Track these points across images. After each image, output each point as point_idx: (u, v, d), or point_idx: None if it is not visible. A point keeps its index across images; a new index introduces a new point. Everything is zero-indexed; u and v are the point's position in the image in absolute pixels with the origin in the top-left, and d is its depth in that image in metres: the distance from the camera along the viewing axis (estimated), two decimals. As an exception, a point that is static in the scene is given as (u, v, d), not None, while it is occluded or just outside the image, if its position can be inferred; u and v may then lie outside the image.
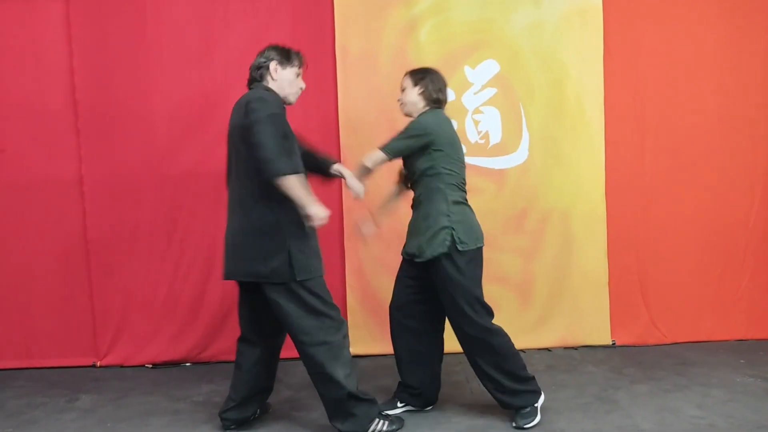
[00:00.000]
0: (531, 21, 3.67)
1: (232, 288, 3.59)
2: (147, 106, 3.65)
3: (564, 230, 3.74)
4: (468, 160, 3.67)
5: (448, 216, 2.68)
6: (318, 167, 2.80)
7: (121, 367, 3.68)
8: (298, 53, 2.68)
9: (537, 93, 3.69)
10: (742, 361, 3.47)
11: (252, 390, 2.70)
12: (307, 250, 2.54)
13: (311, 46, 3.60)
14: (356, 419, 2.56)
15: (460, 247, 2.65)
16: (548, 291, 3.75)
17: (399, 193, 2.98)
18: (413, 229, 2.79)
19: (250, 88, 2.64)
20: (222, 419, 2.72)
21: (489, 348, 2.68)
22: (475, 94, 3.69)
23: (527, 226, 3.74)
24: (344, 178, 2.76)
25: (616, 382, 3.20)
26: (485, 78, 3.69)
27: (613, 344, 3.76)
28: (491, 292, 3.68)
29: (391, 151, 2.71)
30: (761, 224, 3.83)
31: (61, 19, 3.60)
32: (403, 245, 2.86)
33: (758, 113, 3.78)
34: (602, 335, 3.75)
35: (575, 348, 3.75)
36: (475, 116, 3.70)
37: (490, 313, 2.74)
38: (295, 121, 3.51)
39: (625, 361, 3.52)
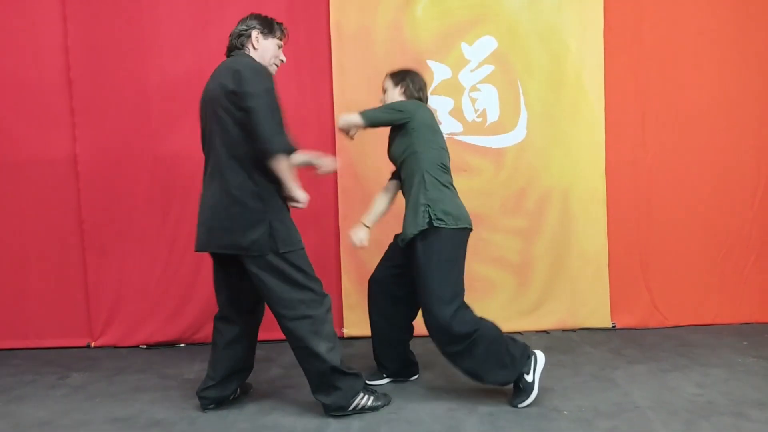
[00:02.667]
0: (530, -4, 3.61)
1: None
2: (142, 86, 3.63)
3: (563, 211, 3.67)
4: (465, 138, 3.66)
5: (425, 193, 2.64)
6: None
7: (115, 347, 3.66)
8: (280, 24, 2.62)
9: (536, 70, 3.63)
10: (745, 343, 3.39)
11: (230, 369, 2.65)
12: (287, 222, 2.50)
13: (305, 23, 3.60)
14: (340, 392, 2.52)
15: (435, 224, 2.59)
16: (547, 272, 3.68)
17: (392, 195, 2.95)
18: (405, 213, 2.74)
19: (228, 56, 2.59)
20: (200, 398, 2.67)
21: (443, 320, 2.57)
22: (472, 71, 3.63)
23: (526, 206, 3.68)
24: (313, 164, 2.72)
25: (614, 362, 3.14)
26: (483, 55, 3.63)
27: (613, 327, 3.69)
28: (489, 273, 3.68)
29: (368, 118, 2.68)
30: (766, 207, 3.74)
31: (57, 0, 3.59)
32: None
33: (764, 94, 3.70)
34: (602, 318, 3.68)
35: (574, 330, 3.68)
36: (473, 94, 3.64)
37: (458, 295, 2.62)
38: (289, 99, 3.52)
39: (625, 342, 3.45)
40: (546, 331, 3.67)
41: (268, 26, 2.58)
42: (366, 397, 2.58)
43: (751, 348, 3.29)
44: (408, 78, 2.84)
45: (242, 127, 2.40)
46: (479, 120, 3.65)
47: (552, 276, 3.68)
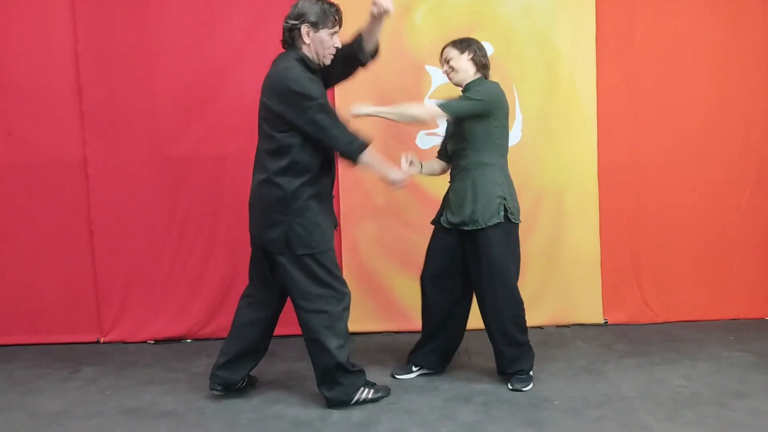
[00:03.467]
0: (524, 3, 3.72)
1: (230, 268, 3.76)
2: (149, 91, 3.74)
3: (557, 210, 3.79)
4: (462, 141, 3.78)
5: (501, 186, 2.75)
6: (359, 55, 2.73)
7: (124, 343, 3.78)
8: (333, 10, 2.57)
9: (530, 75, 3.75)
10: (731, 337, 3.51)
11: (244, 348, 2.75)
12: (309, 225, 2.57)
13: (308, 30, 3.72)
14: (342, 388, 2.65)
15: (512, 219, 2.75)
16: (541, 270, 3.81)
17: (435, 168, 3.04)
18: (460, 198, 2.80)
19: (284, 48, 2.63)
20: (211, 376, 2.79)
21: (515, 313, 2.80)
22: (469, 76, 3.75)
23: (521, 206, 3.70)
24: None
25: (604, 356, 3.27)
26: (479, 60, 3.75)
27: (605, 323, 3.81)
28: (485, 270, 3.79)
29: (452, 110, 2.69)
30: (754, 205, 3.86)
31: (67, 5, 3.68)
32: (438, 214, 2.94)
33: (752, 95, 3.82)
34: (594, 314, 3.81)
35: (567, 326, 3.81)
36: (469, 98, 3.77)
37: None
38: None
39: (616, 338, 3.58)
40: (540, 327, 3.79)
41: (321, 17, 2.53)
42: (367, 390, 2.71)
43: (737, 342, 3.42)
44: (474, 44, 2.83)
45: (277, 137, 2.54)
46: (476, 123, 3.77)
47: (546, 274, 3.80)
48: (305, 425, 2.54)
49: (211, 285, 3.80)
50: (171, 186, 3.77)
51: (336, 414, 2.63)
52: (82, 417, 2.71)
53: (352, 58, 2.71)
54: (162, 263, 3.80)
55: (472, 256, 2.81)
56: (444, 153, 3.02)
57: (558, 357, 3.26)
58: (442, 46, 2.91)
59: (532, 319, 3.75)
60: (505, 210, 2.72)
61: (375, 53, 2.77)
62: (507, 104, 2.84)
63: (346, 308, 2.65)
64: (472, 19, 3.73)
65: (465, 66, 2.81)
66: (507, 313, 2.79)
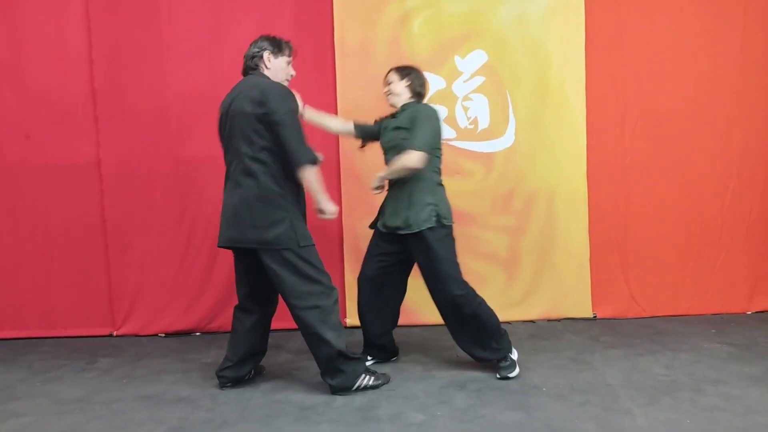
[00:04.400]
0: (517, 13, 3.91)
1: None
2: (160, 96, 3.91)
3: (548, 210, 3.98)
4: (458, 144, 3.97)
5: (433, 194, 3.00)
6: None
7: (136, 336, 3.96)
8: (288, 43, 2.92)
9: (523, 81, 3.94)
10: (713, 331, 3.70)
11: (247, 352, 2.97)
12: (303, 220, 2.83)
13: (312, 39, 3.89)
14: (345, 375, 2.84)
15: (444, 222, 2.96)
16: (533, 267, 4.00)
17: (344, 131, 3.30)
18: (396, 205, 3.05)
19: (245, 75, 2.89)
20: (219, 377, 2.99)
21: (471, 305, 2.95)
22: (464, 82, 3.94)
23: (514, 206, 3.99)
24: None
25: (592, 347, 3.45)
26: (474, 67, 3.94)
27: (594, 317, 4.00)
28: (480, 268, 3.98)
29: (427, 147, 2.93)
30: (736, 206, 4.05)
31: (81, 14, 3.87)
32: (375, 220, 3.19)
33: (733, 97, 4.00)
34: (584, 308, 4.00)
35: (558, 320, 3.99)
36: (465, 103, 3.95)
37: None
38: (296, 107, 3.84)
39: (604, 331, 3.76)
40: (532, 321, 3.98)
41: (278, 46, 2.88)
42: (368, 377, 2.90)
43: (718, 335, 3.61)
44: (413, 73, 3.12)
45: (266, 137, 2.71)
46: (471, 127, 3.96)
47: (538, 270, 3.99)
48: (311, 409, 2.73)
49: (219, 281, 3.98)
50: (181, 186, 3.95)
51: (339, 399, 2.82)
52: (102, 403, 2.89)
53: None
54: (172, 260, 3.98)
55: (416, 257, 3.05)
56: (363, 130, 3.24)
57: (548, 348, 3.45)
58: (387, 70, 3.17)
59: (524, 313, 4.00)
60: (437, 215, 2.96)
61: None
62: (440, 124, 3.07)
63: (336, 301, 2.85)
64: (467, 28, 3.92)
65: (401, 90, 3.09)
66: (457, 299, 2.95)
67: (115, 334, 3.99)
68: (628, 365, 3.15)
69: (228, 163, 2.89)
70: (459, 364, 3.20)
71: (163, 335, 3.96)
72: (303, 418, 2.64)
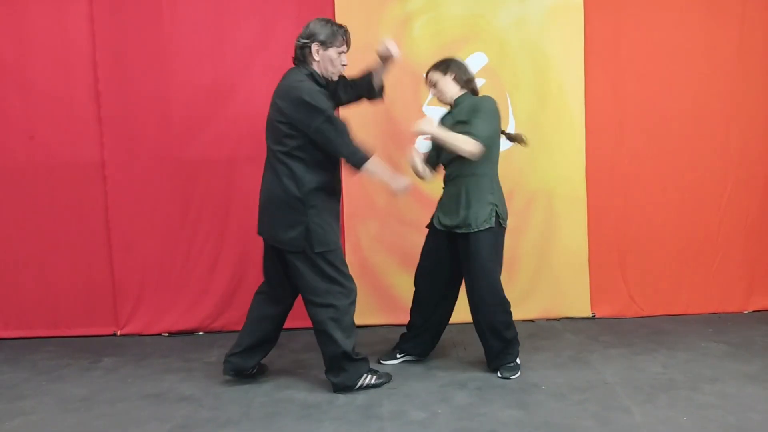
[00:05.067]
0: (517, 16, 3.95)
1: (239, 265, 3.97)
2: (163, 97, 3.94)
3: (547, 211, 4.02)
4: (458, 145, 4.00)
5: (492, 194, 2.98)
6: (367, 91, 3.02)
7: (140, 335, 4.00)
8: (341, 30, 2.80)
9: (522, 83, 3.98)
10: (710, 330, 3.75)
11: (257, 340, 3.00)
12: (325, 225, 2.81)
13: (314, 41, 3.93)
14: (347, 374, 2.88)
15: (502, 223, 2.98)
16: (533, 267, 4.03)
17: (423, 170, 3.14)
18: (453, 203, 3.01)
19: (294, 64, 2.86)
20: (225, 361, 3.02)
21: (500, 309, 3.01)
22: (465, 84, 3.98)
23: (513, 206, 3.97)
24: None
25: (591, 346, 3.49)
26: (475, 69, 3.93)
27: (593, 316, 4.04)
28: (480, 267, 4.01)
29: (486, 139, 2.88)
30: (733, 206, 4.08)
31: (85, 15, 3.89)
32: (433, 216, 3.14)
33: (731, 99, 4.03)
34: (583, 308, 4.04)
35: (557, 319, 4.03)
36: (465, 105, 3.99)
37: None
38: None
39: (603, 330, 3.80)
40: (532, 320, 4.02)
41: (329, 37, 2.77)
42: (370, 377, 2.94)
43: (715, 334, 3.65)
44: (453, 65, 3.02)
45: (288, 144, 2.75)
46: (471, 128, 4.00)
47: (537, 270, 4.03)
48: (314, 407, 2.77)
49: (221, 281, 4.01)
50: (184, 187, 3.98)
51: (342, 398, 2.86)
52: (106, 402, 2.93)
53: (359, 90, 2.99)
54: (175, 260, 4.01)
55: (463, 257, 3.04)
56: (431, 159, 3.17)
57: (547, 347, 3.49)
58: (425, 72, 3.11)
59: (524, 312, 4.03)
60: (497, 215, 2.94)
61: (381, 92, 3.04)
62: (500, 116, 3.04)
63: (353, 303, 2.88)
64: (468, 31, 3.96)
65: (450, 86, 3.04)
66: (493, 310, 3.01)
67: (118, 333, 4.03)
68: (627, 364, 3.19)
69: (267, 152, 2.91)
70: (460, 364, 3.25)
71: (167, 335, 4.00)
72: (306, 416, 2.69)
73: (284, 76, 2.86)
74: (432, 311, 3.22)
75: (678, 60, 4.02)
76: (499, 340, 3.04)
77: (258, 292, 3.04)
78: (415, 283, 3.24)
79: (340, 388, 2.90)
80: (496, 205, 2.96)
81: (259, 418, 2.69)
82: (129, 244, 4.00)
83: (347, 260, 3.95)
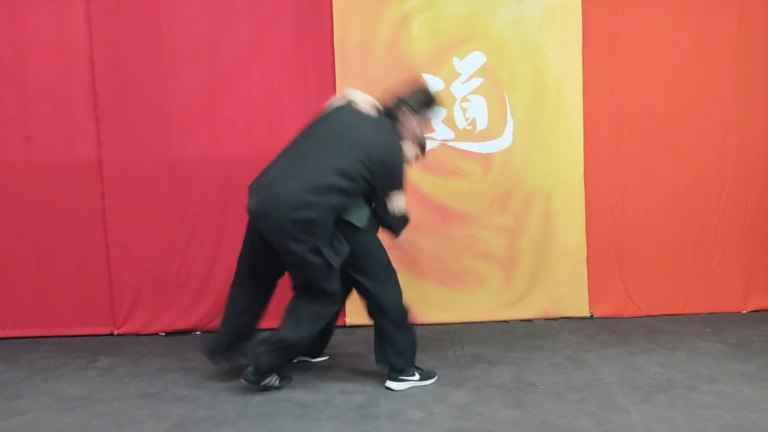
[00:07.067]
0: (515, 15, 3.95)
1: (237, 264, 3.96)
2: (161, 97, 3.94)
3: (545, 210, 4.01)
4: (456, 144, 4.03)
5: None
6: None
7: (137, 335, 3.99)
8: (434, 102, 2.95)
9: (520, 82, 3.98)
10: (708, 330, 3.74)
11: (236, 336, 3.07)
12: (334, 242, 2.83)
13: (312, 40, 3.92)
14: (262, 364, 2.88)
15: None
16: (531, 266, 4.03)
17: None
18: None
19: (387, 113, 2.92)
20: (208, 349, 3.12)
21: None
22: (462, 83, 3.98)
23: (511, 206, 4.02)
24: None
25: (588, 346, 3.49)
26: (472, 68, 3.98)
27: (591, 316, 4.04)
28: (478, 267, 4.03)
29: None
30: (731, 207, 4.08)
31: (83, 16, 3.88)
32: None
33: (728, 100, 4.03)
34: (581, 308, 4.04)
35: (555, 319, 4.03)
36: (463, 104, 3.99)
37: None
38: (297, 108, 3.88)
39: (601, 330, 3.80)
40: (530, 320, 4.02)
41: (420, 104, 2.91)
42: (275, 379, 2.95)
43: (713, 334, 3.65)
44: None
45: (355, 190, 2.80)
46: (469, 128, 4.00)
47: (535, 270, 4.03)
48: (311, 407, 2.76)
49: (219, 281, 3.98)
50: (181, 187, 3.98)
51: (339, 397, 2.86)
52: (103, 401, 2.93)
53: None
54: (173, 260, 4.01)
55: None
56: None
57: (545, 347, 3.49)
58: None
59: (522, 312, 4.04)
60: None
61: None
62: None
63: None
64: (466, 30, 3.96)
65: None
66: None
67: (116, 333, 4.02)
68: (624, 363, 3.19)
69: (290, 146, 2.89)
70: (457, 363, 3.24)
71: (164, 334, 3.99)
72: (303, 415, 2.68)
73: (378, 124, 2.87)
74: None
75: (676, 59, 4.02)
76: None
77: (234, 285, 3.10)
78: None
79: (249, 373, 2.91)
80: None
81: (255, 417, 2.68)
82: (126, 244, 3.99)
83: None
